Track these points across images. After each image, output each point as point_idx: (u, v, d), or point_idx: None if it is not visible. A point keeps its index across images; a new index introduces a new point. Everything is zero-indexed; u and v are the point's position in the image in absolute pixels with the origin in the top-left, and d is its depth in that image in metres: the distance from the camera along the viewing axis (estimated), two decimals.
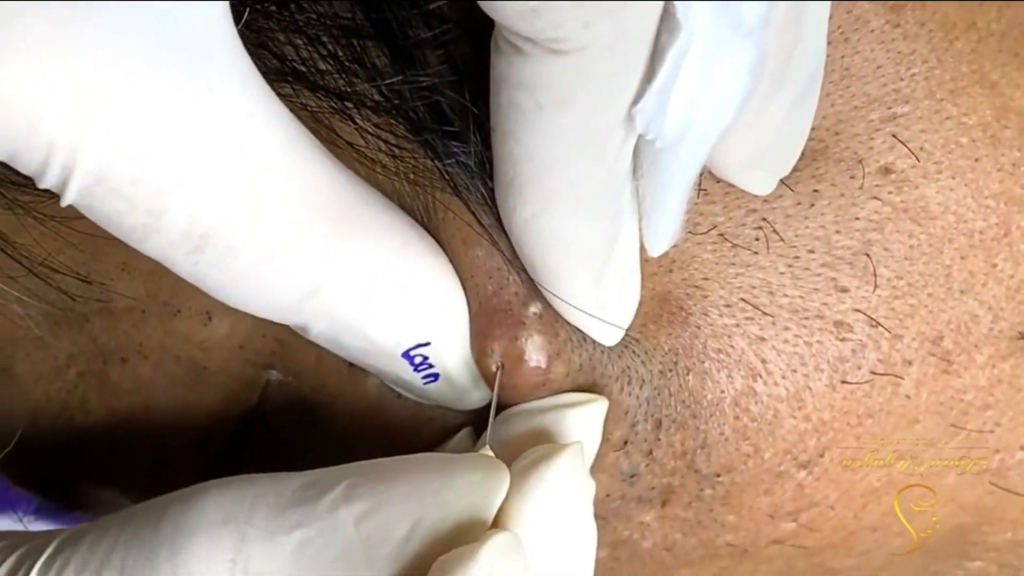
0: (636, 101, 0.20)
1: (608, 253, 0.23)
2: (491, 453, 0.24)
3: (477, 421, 0.27)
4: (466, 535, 0.21)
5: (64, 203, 0.19)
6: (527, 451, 0.24)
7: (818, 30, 0.23)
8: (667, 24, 0.19)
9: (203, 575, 0.20)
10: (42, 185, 0.18)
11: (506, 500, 0.22)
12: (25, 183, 0.23)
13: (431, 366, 0.25)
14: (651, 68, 0.19)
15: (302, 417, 0.29)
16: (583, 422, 0.25)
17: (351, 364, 0.27)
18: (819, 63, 0.23)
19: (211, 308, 0.27)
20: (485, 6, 0.18)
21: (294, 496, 0.21)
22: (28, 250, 0.25)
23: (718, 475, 0.26)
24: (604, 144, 0.21)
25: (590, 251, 0.23)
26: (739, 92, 0.20)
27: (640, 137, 0.21)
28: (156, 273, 0.26)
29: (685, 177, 0.23)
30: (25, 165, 0.18)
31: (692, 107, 0.20)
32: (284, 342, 0.27)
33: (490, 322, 0.25)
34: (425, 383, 0.25)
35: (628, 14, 0.18)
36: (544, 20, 0.18)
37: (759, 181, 0.25)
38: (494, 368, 0.25)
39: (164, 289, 0.26)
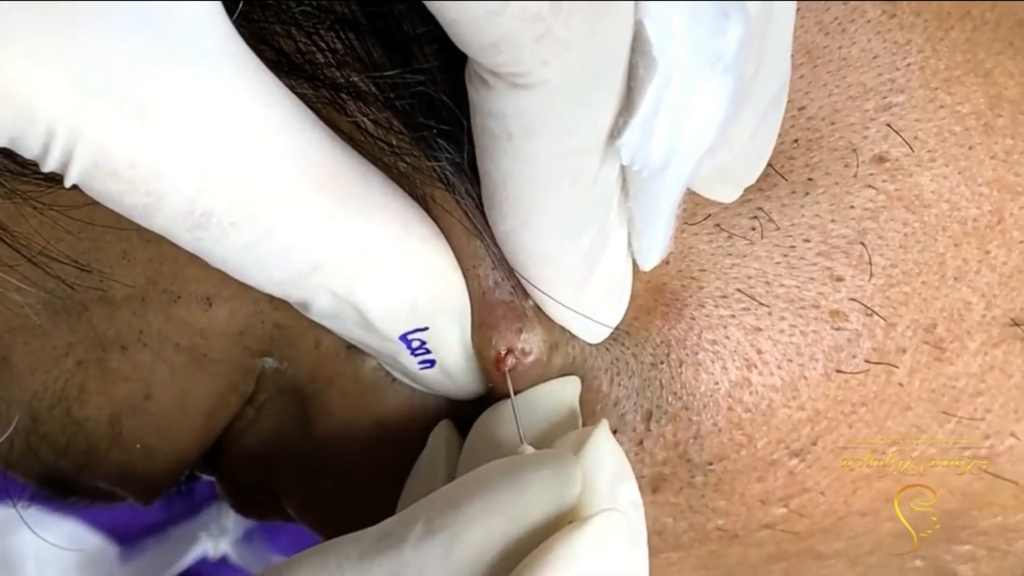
0: (618, 134, 0.20)
1: (592, 267, 0.24)
2: (531, 448, 0.24)
3: (466, 411, 0.27)
4: (554, 529, 0.21)
5: (67, 184, 0.19)
6: (555, 442, 0.24)
7: (782, 50, 0.23)
8: (643, 59, 0.19)
9: None
10: (45, 169, 0.19)
11: None
12: (24, 172, 0.23)
13: (428, 351, 0.25)
14: (630, 100, 0.20)
15: (295, 405, 0.29)
16: (574, 402, 0.26)
17: (350, 346, 0.27)
18: (783, 82, 0.23)
19: (211, 295, 0.26)
20: (453, 39, 0.18)
21: (376, 547, 0.21)
22: (27, 239, 0.24)
23: (710, 463, 0.26)
24: (579, 169, 0.21)
25: (572, 265, 0.23)
26: (719, 118, 0.21)
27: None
28: (156, 261, 0.26)
29: (672, 198, 0.23)
30: (27, 149, 0.18)
31: (675, 136, 0.20)
32: (283, 327, 0.27)
33: (493, 314, 0.25)
34: (421, 368, 0.25)
35: (588, 51, 0.18)
36: (504, 55, 0.18)
37: (724, 192, 0.25)
38: (503, 365, 0.25)
39: (164, 276, 0.26)
